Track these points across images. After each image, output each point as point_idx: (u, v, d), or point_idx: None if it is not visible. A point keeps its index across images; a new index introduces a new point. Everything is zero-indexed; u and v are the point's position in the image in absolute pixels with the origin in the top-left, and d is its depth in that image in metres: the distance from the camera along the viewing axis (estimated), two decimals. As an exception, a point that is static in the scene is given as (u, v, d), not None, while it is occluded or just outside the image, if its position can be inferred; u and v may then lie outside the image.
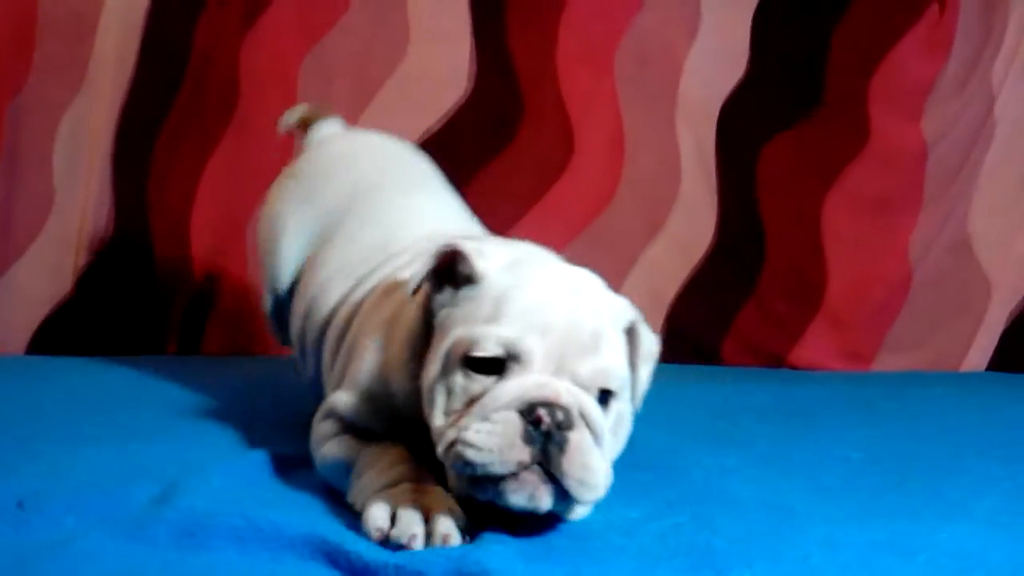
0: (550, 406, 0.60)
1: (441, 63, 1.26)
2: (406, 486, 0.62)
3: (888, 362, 1.19)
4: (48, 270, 1.26)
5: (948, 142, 1.21)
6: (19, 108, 1.30)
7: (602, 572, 0.55)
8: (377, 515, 0.59)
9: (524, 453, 0.59)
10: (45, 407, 0.86)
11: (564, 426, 0.60)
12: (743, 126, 1.22)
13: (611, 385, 0.64)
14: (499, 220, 1.21)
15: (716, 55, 1.22)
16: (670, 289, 1.22)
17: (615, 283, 1.22)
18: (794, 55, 1.22)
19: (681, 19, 1.22)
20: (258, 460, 0.69)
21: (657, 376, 0.74)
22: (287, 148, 1.31)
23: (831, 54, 1.21)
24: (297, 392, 0.88)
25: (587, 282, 0.70)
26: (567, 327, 0.64)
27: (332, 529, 0.59)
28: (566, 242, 1.22)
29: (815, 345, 1.19)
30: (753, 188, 1.22)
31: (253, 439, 0.76)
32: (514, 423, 0.60)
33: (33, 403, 0.87)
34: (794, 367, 1.18)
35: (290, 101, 1.29)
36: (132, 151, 1.28)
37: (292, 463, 0.69)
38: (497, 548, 0.57)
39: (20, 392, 0.94)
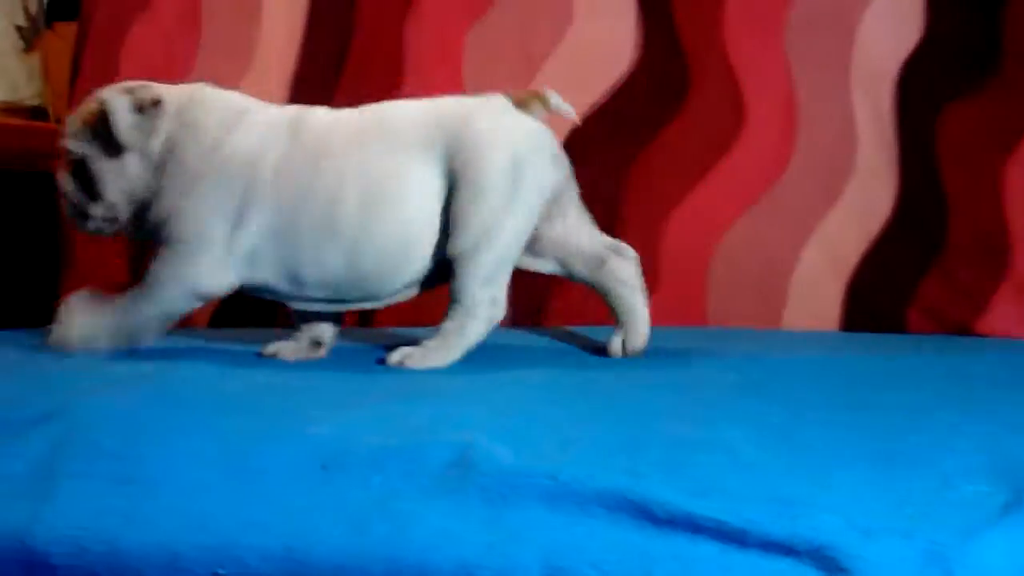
0: None
1: (605, 36, 1.26)
2: None
3: (1077, 330, 1.17)
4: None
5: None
6: (190, 89, 1.33)
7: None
8: None
9: None
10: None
11: None
12: (922, 92, 1.20)
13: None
14: (669, 192, 1.22)
15: (891, 18, 1.20)
16: (851, 259, 1.21)
17: (793, 253, 1.25)
18: (971, 17, 1.19)
19: (854, -18, 1.21)
20: (536, 415, 0.70)
21: (867, 345, 0.74)
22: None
23: (1007, 15, 1.19)
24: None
25: None
26: None
27: (635, 479, 0.59)
28: (740, 212, 1.21)
29: (1003, 313, 1.17)
30: (934, 155, 1.20)
31: (520, 398, 0.77)
32: None
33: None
34: (982, 335, 1.17)
35: (455, 78, 1.31)
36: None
37: (573, 417, 0.70)
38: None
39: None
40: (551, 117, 1.26)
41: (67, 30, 1.44)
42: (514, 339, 1.09)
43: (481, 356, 0.94)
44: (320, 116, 0.93)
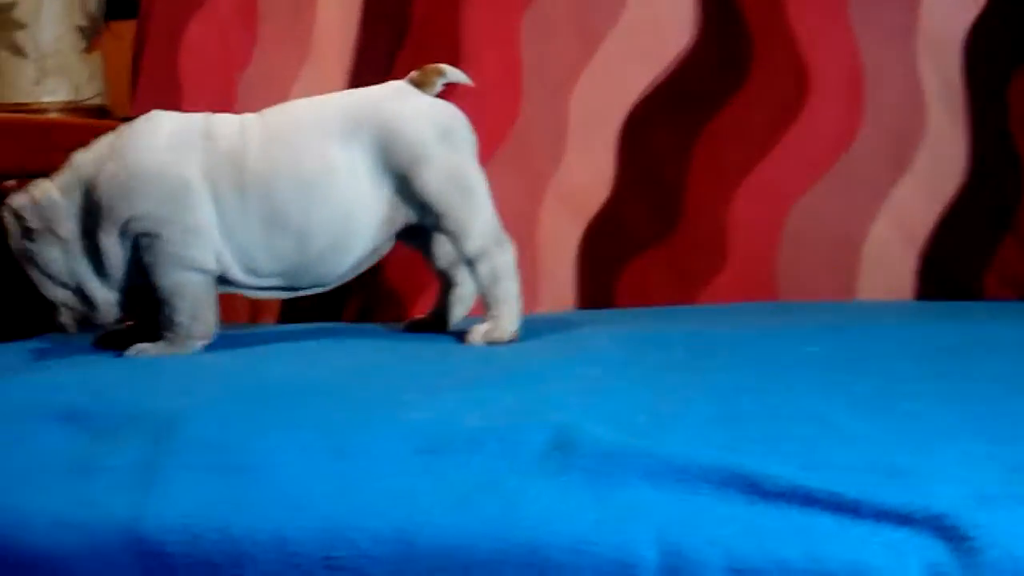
0: None
1: (664, 11, 1.24)
2: None
3: None
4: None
5: None
6: (249, 82, 1.33)
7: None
8: None
9: None
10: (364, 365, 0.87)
11: None
12: (990, 56, 1.17)
13: None
14: (736, 166, 1.20)
15: (958, -18, 1.18)
16: (923, 227, 1.18)
17: (864, 222, 1.23)
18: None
19: (919, -54, 1.18)
20: (624, 394, 0.69)
21: (945, 313, 0.72)
22: (510, 107, 1.33)
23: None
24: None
25: None
26: None
27: (738, 454, 0.58)
28: (809, 183, 1.19)
29: (1083, 276, 1.14)
30: (1005, 119, 1.17)
31: (603, 378, 0.76)
32: None
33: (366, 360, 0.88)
34: (1062, 298, 1.14)
35: (513, 60, 1.30)
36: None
37: (661, 395, 0.70)
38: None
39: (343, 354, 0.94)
40: (610, 100, 1.28)
41: (123, 29, 1.45)
42: (584, 320, 1.09)
43: (555, 338, 0.94)
44: (227, 121, 0.96)
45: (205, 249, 0.91)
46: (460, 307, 1.02)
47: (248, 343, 0.95)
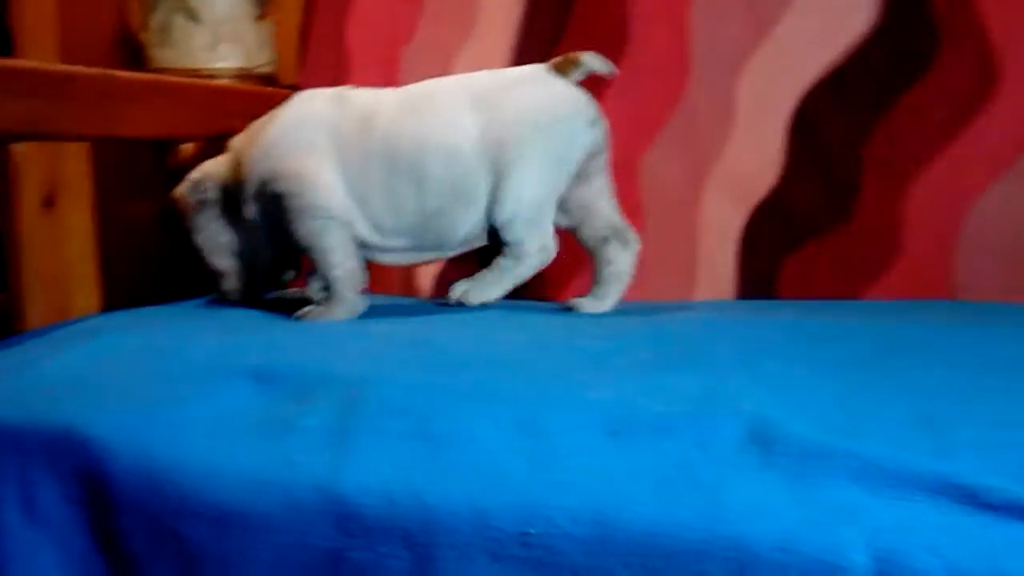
0: None
1: (845, -8, 1.20)
2: None
3: None
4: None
5: None
6: (414, 55, 1.34)
7: None
8: None
9: None
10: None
11: None
12: None
13: None
14: (912, 157, 1.15)
15: None
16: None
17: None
18: None
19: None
20: (812, 389, 0.67)
21: None
22: (677, 88, 1.30)
23: None
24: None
25: None
26: None
27: (946, 460, 0.55)
28: (993, 180, 1.13)
29: None
30: None
31: (785, 371, 0.74)
32: None
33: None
34: None
35: (681, 40, 1.27)
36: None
37: (850, 392, 0.67)
38: None
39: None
40: (782, 84, 1.24)
41: (288, -1, 1.48)
42: (748, 308, 1.06)
43: (722, 325, 0.91)
44: (364, 91, 1.01)
45: (331, 199, 0.95)
46: (616, 286, 1.01)
47: (413, 313, 0.96)
